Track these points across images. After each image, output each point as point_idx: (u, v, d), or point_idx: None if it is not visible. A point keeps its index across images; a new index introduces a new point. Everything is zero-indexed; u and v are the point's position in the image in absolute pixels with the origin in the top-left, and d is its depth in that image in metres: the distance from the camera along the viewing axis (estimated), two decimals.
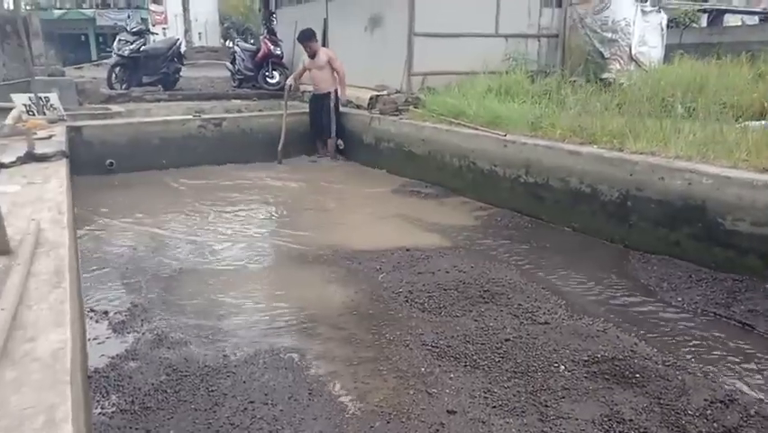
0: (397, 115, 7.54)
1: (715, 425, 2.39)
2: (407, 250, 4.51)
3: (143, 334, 3.21)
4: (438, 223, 5.37)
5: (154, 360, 2.92)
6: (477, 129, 6.15)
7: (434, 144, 6.67)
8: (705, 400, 2.54)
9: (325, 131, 8.02)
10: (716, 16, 25.67)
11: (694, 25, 22.43)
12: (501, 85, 7.38)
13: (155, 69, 10.64)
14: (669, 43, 10.00)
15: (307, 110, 8.30)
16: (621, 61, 8.53)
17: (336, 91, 7.87)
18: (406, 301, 3.62)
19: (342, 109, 8.10)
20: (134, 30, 10.66)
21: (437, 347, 3.06)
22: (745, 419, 2.43)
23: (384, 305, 3.59)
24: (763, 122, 5.33)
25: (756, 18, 26.32)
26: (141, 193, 6.33)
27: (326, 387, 2.73)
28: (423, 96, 7.62)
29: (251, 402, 2.58)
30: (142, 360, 2.93)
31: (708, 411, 2.46)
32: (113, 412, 2.50)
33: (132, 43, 10.33)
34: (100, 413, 2.48)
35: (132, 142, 7.23)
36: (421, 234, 5.08)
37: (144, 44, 10.66)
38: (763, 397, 2.66)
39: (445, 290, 3.74)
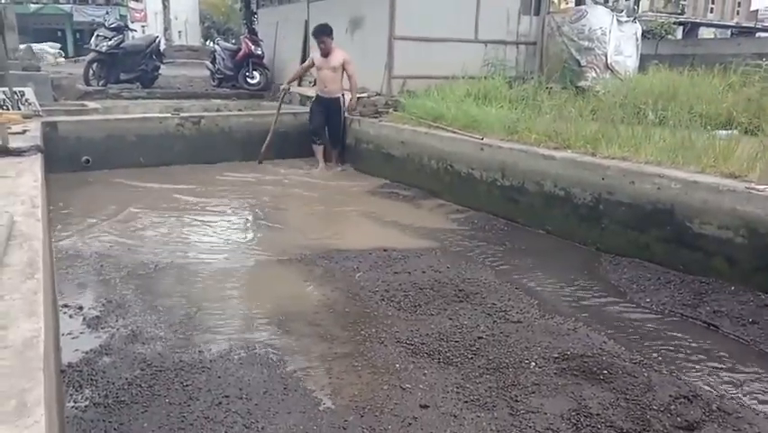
0: (376, 118, 7.60)
1: (678, 419, 2.47)
2: (385, 250, 4.55)
3: (118, 329, 3.19)
4: (415, 224, 5.42)
5: (128, 355, 2.92)
6: (455, 132, 6.23)
7: (413, 147, 6.73)
8: (669, 395, 2.62)
9: (335, 141, 7.67)
10: (691, 29, 26.27)
11: (670, 37, 22.94)
12: (480, 90, 7.49)
13: (133, 66, 10.55)
14: (645, 54, 10.25)
15: (294, 111, 8.26)
16: (597, 69, 8.72)
17: (343, 96, 7.52)
18: (383, 300, 3.66)
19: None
20: (113, 26, 10.56)
21: (412, 344, 3.10)
22: (707, 414, 2.51)
23: (360, 303, 3.63)
24: (731, 131, 5.50)
25: (729, 32, 26.98)
26: (118, 190, 6.28)
27: (301, 382, 2.75)
28: (402, 100, 7.69)
29: (226, 396, 2.60)
30: (117, 355, 2.92)
31: (672, 406, 2.54)
32: (86, 406, 2.49)
33: (110, 39, 10.23)
34: (73, 407, 2.47)
35: (108, 139, 7.15)
36: (398, 235, 5.12)
37: (123, 41, 10.57)
38: (724, 393, 2.76)
39: (421, 289, 3.80)
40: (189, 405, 2.52)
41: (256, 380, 2.75)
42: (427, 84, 8.01)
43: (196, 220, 5.40)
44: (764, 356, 3.13)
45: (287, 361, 2.95)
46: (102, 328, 3.21)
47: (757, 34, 24.91)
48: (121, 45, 10.44)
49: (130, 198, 5.99)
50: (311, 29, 10.00)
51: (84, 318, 3.32)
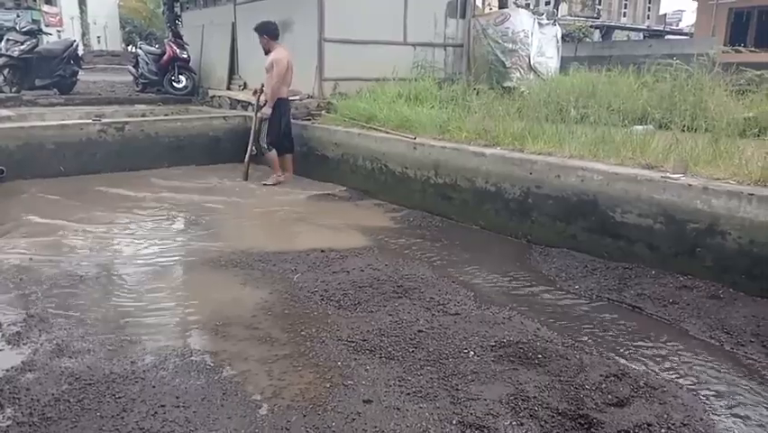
0: (309, 120, 7.56)
1: (609, 397, 2.59)
2: (322, 251, 4.53)
3: (42, 344, 3.02)
4: (352, 224, 5.42)
5: (54, 370, 2.76)
6: (388, 132, 6.29)
7: (347, 148, 6.74)
8: (600, 375, 2.74)
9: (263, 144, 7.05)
10: (606, 32, 27.69)
11: (587, 39, 24.09)
12: (411, 91, 7.59)
13: (50, 72, 10.01)
14: (565, 55, 10.72)
15: (224, 115, 8.03)
16: (521, 70, 9.04)
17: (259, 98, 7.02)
18: (322, 300, 3.64)
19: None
20: (25, 29, 9.99)
21: (353, 342, 3.10)
22: (636, 390, 2.65)
23: (299, 304, 3.59)
24: (647, 126, 5.83)
25: (641, 34, 28.65)
26: (35, 201, 5.93)
27: (241, 386, 2.69)
28: (335, 102, 7.69)
29: (162, 406, 2.50)
30: (41, 371, 2.76)
31: (604, 385, 2.67)
32: (8, 426, 2.34)
33: (22, 44, 9.68)
34: None
35: (24, 148, 6.75)
36: (336, 235, 5.11)
37: (37, 45, 10.02)
38: (650, 370, 2.92)
39: (360, 287, 3.80)
40: (123, 417, 2.42)
41: (193, 387, 2.67)
42: (359, 86, 8.05)
43: (123, 229, 5.18)
44: (685, 334, 3.34)
45: (225, 366, 2.88)
46: (24, 344, 3.02)
47: (666, 36, 26.57)
48: (35, 50, 9.89)
49: (49, 208, 5.67)
50: (238, 32, 9.90)
51: (2, 335, 3.11)
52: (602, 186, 4.33)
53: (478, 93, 7.18)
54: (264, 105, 6.93)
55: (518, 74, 8.99)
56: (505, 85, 8.74)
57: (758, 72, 6.20)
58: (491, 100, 6.76)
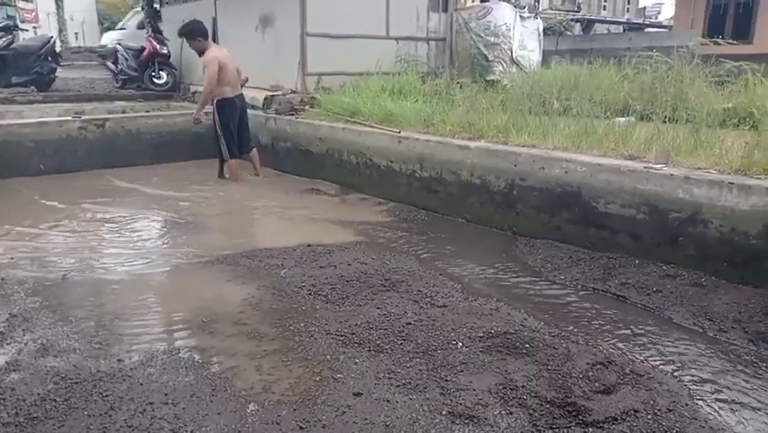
0: (293, 115, 7.51)
1: (596, 384, 2.62)
2: (309, 246, 4.52)
3: (26, 344, 2.98)
4: (338, 219, 5.42)
5: (40, 370, 2.73)
6: (372, 126, 6.27)
7: (331, 143, 6.72)
8: (587, 363, 2.78)
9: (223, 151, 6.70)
10: (587, 25, 27.88)
11: (568, 33, 24.24)
12: (394, 85, 7.57)
13: (27, 69, 9.82)
14: (547, 49, 10.76)
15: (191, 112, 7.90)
16: (504, 63, 9.07)
17: (213, 102, 6.56)
18: (310, 294, 3.64)
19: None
20: (0, 25, 9.78)
21: (342, 335, 3.10)
22: (622, 377, 2.69)
23: (287, 299, 3.58)
24: (629, 117, 5.89)
25: (621, 27, 28.89)
26: (14, 200, 5.84)
27: (230, 382, 2.68)
28: (318, 96, 7.65)
29: (150, 403, 2.49)
30: (26, 371, 2.72)
31: (590, 373, 2.70)
32: None
33: None
34: None
35: (1, 147, 6.64)
36: (322, 230, 5.10)
37: (12, 41, 9.82)
38: (636, 357, 2.96)
39: (348, 281, 3.80)
40: (111, 415, 2.40)
41: (182, 384, 2.66)
42: (342, 80, 8.01)
43: (106, 227, 5.12)
44: (668, 321, 3.39)
45: (213, 362, 2.87)
46: (7, 344, 2.98)
47: (646, 29, 26.82)
48: (11, 46, 9.70)
49: (30, 207, 5.59)
50: (219, 27, 9.80)
51: None
52: (586, 177, 4.37)
53: (461, 86, 7.20)
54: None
55: (501, 67, 9.02)
56: (488, 78, 8.76)
57: (736, 63, 6.29)
58: (475, 93, 6.78)
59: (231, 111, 6.61)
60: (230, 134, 6.61)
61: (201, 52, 6.53)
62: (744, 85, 6.07)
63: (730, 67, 6.34)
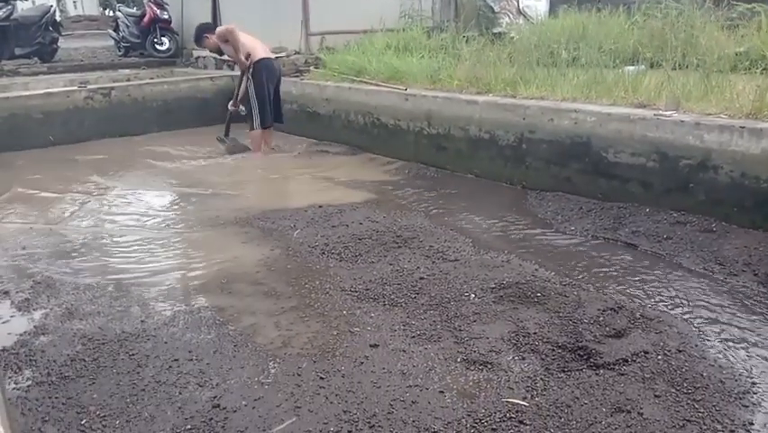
0: (298, 77, 7.46)
1: (607, 329, 2.68)
2: (320, 206, 4.56)
3: (51, 309, 3.08)
4: (348, 179, 5.45)
5: (67, 332, 2.83)
6: (379, 85, 6.23)
7: (338, 103, 6.69)
8: (598, 309, 2.83)
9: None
10: None
11: None
12: (399, 41, 7.48)
13: (29, 40, 9.78)
14: None
15: (210, 76, 7.85)
16: (510, 15, 8.88)
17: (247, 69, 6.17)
18: (323, 253, 3.70)
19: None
20: None
21: (356, 291, 3.17)
22: (632, 321, 2.74)
23: (301, 259, 3.65)
24: (638, 65, 5.80)
25: None
26: (27, 172, 5.90)
27: (251, 338, 2.77)
28: (323, 56, 7.57)
29: (176, 360, 2.58)
30: (54, 334, 2.82)
31: (601, 318, 2.76)
32: (28, 386, 2.41)
33: None
34: (14, 388, 2.39)
35: (10, 119, 6.68)
36: (332, 191, 5.14)
37: (12, 12, 9.74)
38: (646, 302, 3.01)
39: (360, 239, 3.85)
40: (138, 372, 2.50)
41: (204, 341, 2.75)
42: (346, 39, 7.92)
43: (120, 194, 5.19)
44: (679, 267, 3.42)
45: (234, 320, 2.95)
46: (34, 310, 3.08)
47: None
48: (11, 17, 9.63)
49: (44, 178, 5.66)
50: None
51: (12, 302, 3.17)
52: (595, 127, 4.34)
53: (467, 40, 7.08)
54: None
55: (507, 19, 8.83)
56: (494, 31, 8.58)
57: (749, 5, 6.13)
58: (481, 47, 6.68)
59: (269, 73, 6.20)
60: (265, 98, 6.17)
61: (217, 47, 6.29)
62: (757, 28, 5.93)
63: (743, 9, 6.18)
